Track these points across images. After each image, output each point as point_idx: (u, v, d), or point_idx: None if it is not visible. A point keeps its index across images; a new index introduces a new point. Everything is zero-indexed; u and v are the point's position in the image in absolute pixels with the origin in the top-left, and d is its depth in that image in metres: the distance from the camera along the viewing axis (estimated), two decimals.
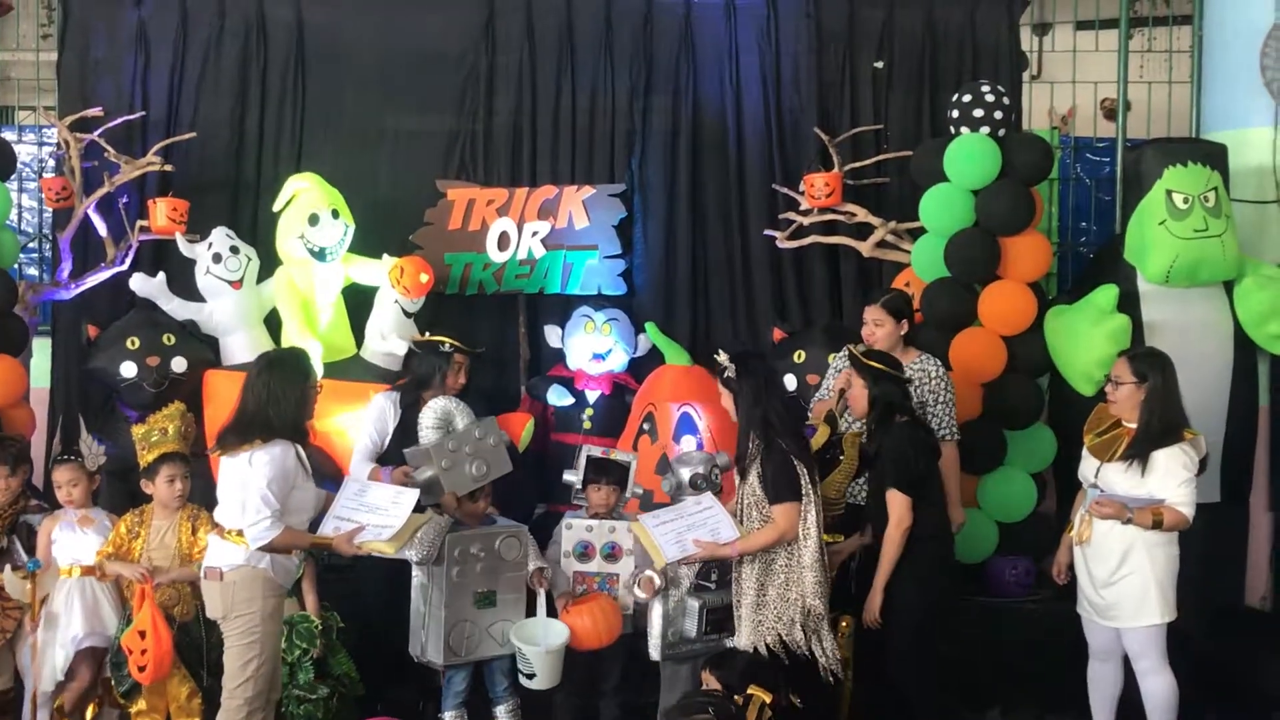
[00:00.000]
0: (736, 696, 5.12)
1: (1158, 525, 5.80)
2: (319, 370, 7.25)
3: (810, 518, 5.65)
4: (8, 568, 6.27)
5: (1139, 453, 5.87)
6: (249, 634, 5.50)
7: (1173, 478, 5.82)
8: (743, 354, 6.09)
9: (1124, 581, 5.93)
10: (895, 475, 5.89)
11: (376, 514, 5.70)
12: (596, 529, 6.38)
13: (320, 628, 6.32)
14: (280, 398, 5.50)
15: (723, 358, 5.97)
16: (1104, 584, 5.99)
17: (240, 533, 5.45)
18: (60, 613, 6.28)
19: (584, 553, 6.37)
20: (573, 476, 6.48)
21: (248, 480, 5.44)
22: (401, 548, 5.66)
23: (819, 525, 5.70)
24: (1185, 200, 7.08)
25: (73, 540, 6.34)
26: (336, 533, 5.61)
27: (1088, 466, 6.14)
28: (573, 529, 6.39)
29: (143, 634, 5.96)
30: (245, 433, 5.49)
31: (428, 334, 7.03)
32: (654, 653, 6.04)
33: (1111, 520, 5.85)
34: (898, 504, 5.86)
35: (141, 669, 5.99)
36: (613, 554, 6.36)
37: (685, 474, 6.30)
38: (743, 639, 5.72)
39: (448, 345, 6.76)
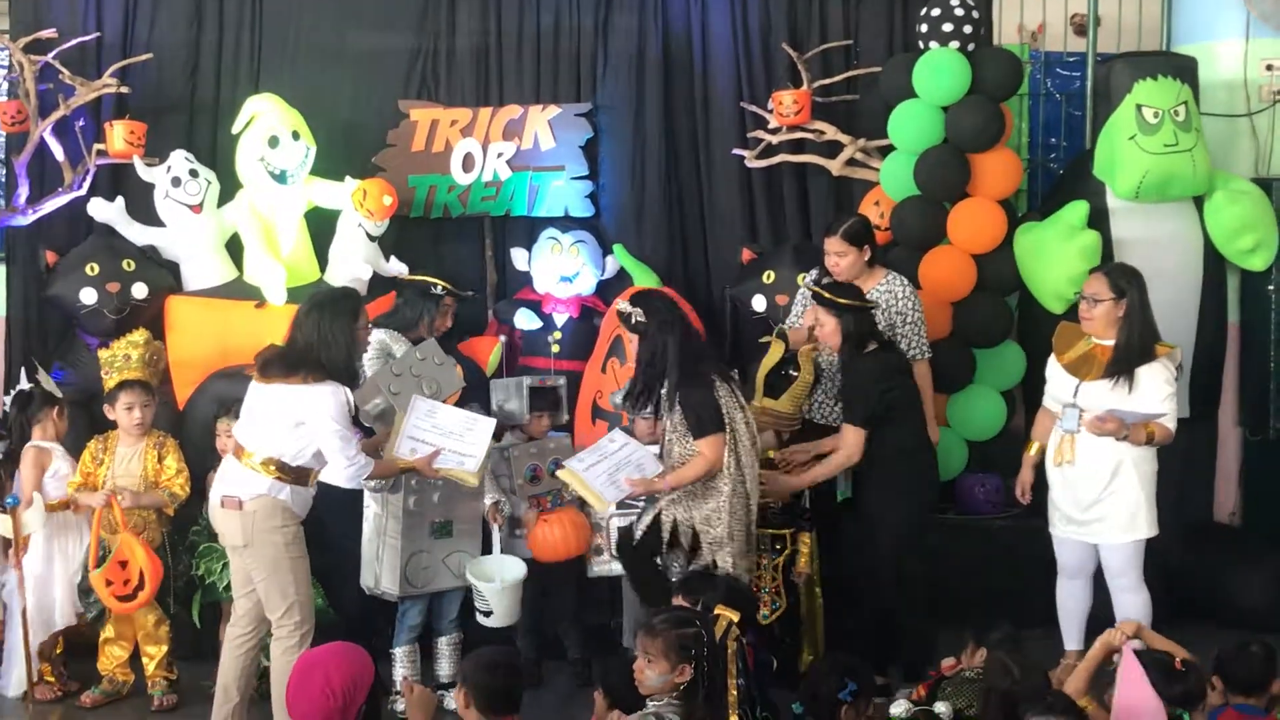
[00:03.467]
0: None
1: (1150, 440, 5.81)
2: (279, 296, 7.21)
3: (733, 448, 5.67)
4: None
5: (1123, 369, 5.85)
6: (276, 562, 5.44)
7: (1158, 392, 5.83)
8: (644, 294, 6.19)
9: (1112, 498, 5.93)
10: (854, 411, 6.00)
11: (451, 439, 5.73)
12: (539, 450, 6.53)
13: None
14: (330, 340, 5.38)
15: (624, 303, 5.99)
16: (1091, 502, 5.97)
17: (266, 462, 5.38)
18: (74, 545, 6.32)
19: (534, 475, 6.48)
20: (515, 407, 6.50)
21: (312, 420, 5.35)
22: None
23: (751, 452, 5.73)
24: (1155, 115, 7.03)
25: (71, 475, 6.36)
26: (414, 454, 5.64)
27: (1062, 386, 6.10)
28: (519, 455, 6.47)
29: (123, 564, 5.96)
30: (293, 367, 5.38)
31: (419, 274, 6.89)
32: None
33: (1107, 436, 5.82)
34: (851, 438, 5.98)
35: (124, 598, 5.98)
36: (559, 468, 6.41)
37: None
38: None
39: (439, 287, 6.64)
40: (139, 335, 6.60)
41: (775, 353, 6.47)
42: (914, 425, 6.17)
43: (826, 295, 6.10)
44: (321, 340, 5.38)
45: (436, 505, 6.07)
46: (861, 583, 6.23)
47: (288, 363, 5.41)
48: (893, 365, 6.11)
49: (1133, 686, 4.52)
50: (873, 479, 6.12)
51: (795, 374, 6.39)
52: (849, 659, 5.07)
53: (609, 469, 5.79)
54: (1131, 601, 5.96)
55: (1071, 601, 6.23)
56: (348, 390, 5.43)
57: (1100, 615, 6.09)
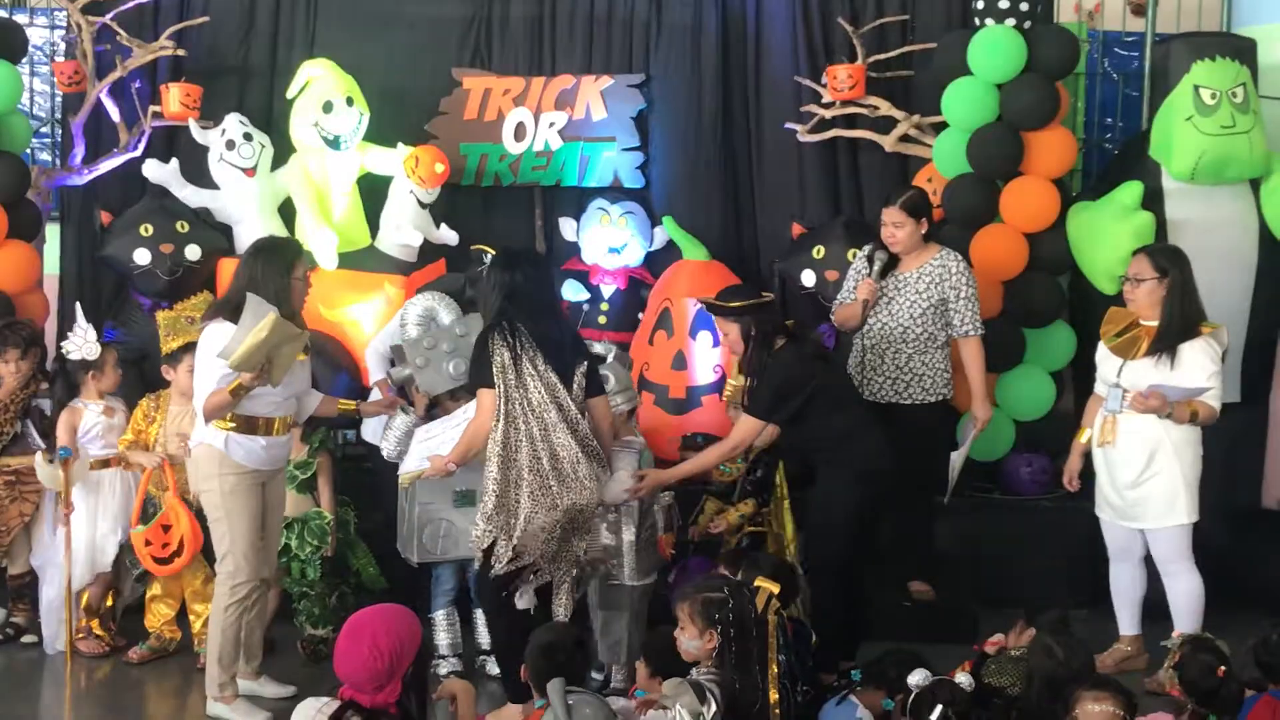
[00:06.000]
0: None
1: (1193, 419, 5.78)
2: (330, 261, 7.24)
3: (503, 407, 5.24)
4: (39, 454, 6.30)
5: (1165, 346, 5.84)
6: (215, 510, 5.57)
7: (1201, 370, 5.80)
8: (506, 249, 6.16)
9: (1151, 482, 5.91)
10: (756, 403, 5.79)
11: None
12: None
13: (332, 524, 6.32)
14: (259, 285, 5.40)
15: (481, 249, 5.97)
16: (1129, 485, 5.96)
17: None
18: (111, 503, 6.39)
19: None
20: None
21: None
22: (246, 362, 5.23)
23: (530, 415, 5.25)
24: (1213, 96, 6.96)
25: (112, 433, 6.42)
26: None
27: (1108, 367, 6.08)
28: None
29: (167, 528, 6.04)
30: (216, 310, 5.53)
31: (477, 246, 6.86)
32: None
33: (1151, 414, 5.80)
34: (744, 427, 5.82)
35: (160, 560, 6.06)
36: None
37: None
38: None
39: (489, 257, 6.58)
40: (202, 298, 6.64)
41: None
42: (847, 409, 5.90)
43: (719, 304, 5.91)
44: (251, 282, 5.41)
45: (458, 474, 5.76)
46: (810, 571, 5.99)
47: (214, 307, 5.58)
48: (806, 355, 5.90)
49: None
50: (819, 469, 5.93)
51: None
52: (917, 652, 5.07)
53: (435, 445, 5.64)
54: (1183, 585, 5.94)
55: (1122, 585, 6.20)
56: None
57: (1156, 598, 6.08)
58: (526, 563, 5.33)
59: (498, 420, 5.24)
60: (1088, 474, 6.26)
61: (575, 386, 5.36)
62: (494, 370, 5.24)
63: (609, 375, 5.97)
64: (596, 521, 5.60)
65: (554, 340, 5.36)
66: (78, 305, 6.69)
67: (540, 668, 4.55)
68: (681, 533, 6.22)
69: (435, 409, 6.16)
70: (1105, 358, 6.13)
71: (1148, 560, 6.12)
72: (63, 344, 6.47)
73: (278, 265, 5.50)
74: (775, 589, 4.96)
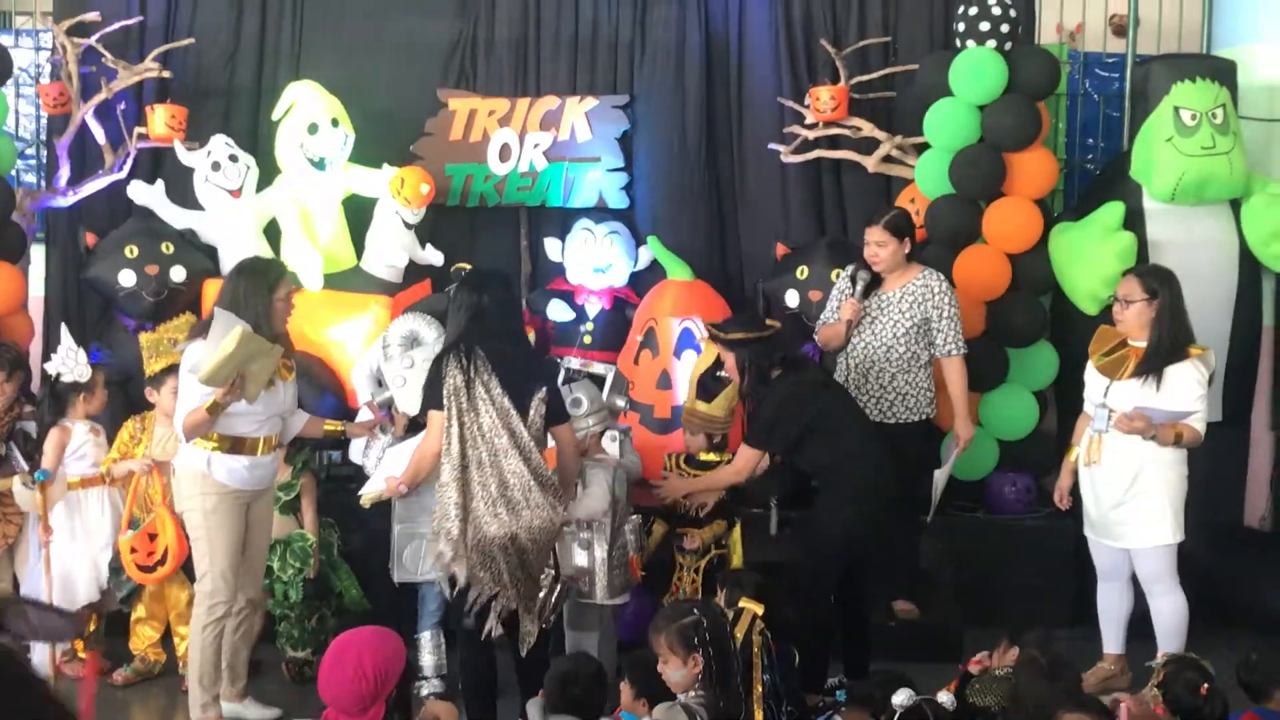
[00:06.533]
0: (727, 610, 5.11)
1: (1177, 441, 5.80)
2: (315, 282, 7.26)
3: (454, 430, 5.12)
4: (16, 477, 6.29)
5: (1152, 369, 5.84)
6: (196, 530, 5.59)
7: (1187, 393, 5.80)
8: (476, 269, 6.21)
9: (1134, 502, 5.91)
10: (754, 434, 5.88)
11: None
12: None
13: (314, 545, 6.32)
14: (243, 304, 5.42)
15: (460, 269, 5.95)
16: (1113, 505, 5.97)
17: None
18: (95, 522, 6.37)
19: None
20: None
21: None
22: (215, 376, 5.23)
23: (480, 439, 5.12)
24: (1193, 117, 7.00)
25: (97, 451, 6.40)
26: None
27: (1095, 387, 6.09)
28: None
29: (153, 536, 6.03)
30: (199, 332, 5.52)
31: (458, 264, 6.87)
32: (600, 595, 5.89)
33: (1135, 435, 5.81)
34: (743, 457, 5.92)
35: (144, 569, 6.04)
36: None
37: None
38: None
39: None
40: (185, 320, 6.64)
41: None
42: (850, 432, 5.90)
43: (720, 334, 5.95)
44: (234, 303, 5.42)
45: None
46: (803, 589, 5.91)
47: (196, 328, 5.63)
48: (805, 383, 5.91)
49: None
50: (820, 489, 5.96)
51: (729, 376, 6.16)
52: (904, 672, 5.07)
53: (401, 467, 5.49)
54: (1167, 605, 5.94)
55: (1109, 604, 6.21)
56: None
57: (1144, 616, 6.09)
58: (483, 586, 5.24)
59: (449, 443, 5.14)
60: (1077, 492, 6.27)
61: (533, 412, 5.22)
62: (445, 393, 5.15)
63: (581, 398, 5.95)
64: (569, 540, 5.61)
65: (513, 365, 5.25)
66: (63, 327, 6.69)
67: (557, 697, 4.56)
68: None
69: (423, 429, 6.16)
70: (1093, 377, 6.13)
71: (1134, 580, 6.14)
72: (46, 365, 6.45)
73: (260, 286, 5.51)
74: (759, 610, 4.97)
